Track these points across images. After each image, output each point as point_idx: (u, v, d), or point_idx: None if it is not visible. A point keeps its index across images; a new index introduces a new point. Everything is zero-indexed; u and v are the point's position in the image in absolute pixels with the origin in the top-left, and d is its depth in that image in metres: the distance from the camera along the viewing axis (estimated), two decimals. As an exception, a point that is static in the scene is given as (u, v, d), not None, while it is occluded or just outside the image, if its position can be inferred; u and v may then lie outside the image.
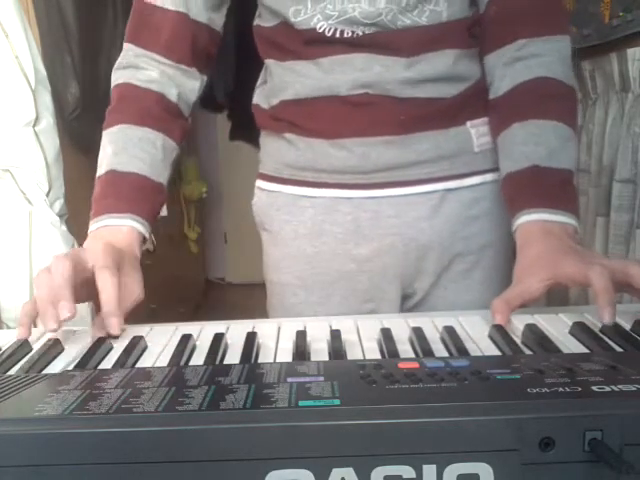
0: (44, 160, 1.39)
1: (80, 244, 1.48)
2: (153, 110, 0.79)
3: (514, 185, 0.76)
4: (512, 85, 0.77)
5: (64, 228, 1.44)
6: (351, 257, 0.83)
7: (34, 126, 1.37)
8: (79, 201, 1.67)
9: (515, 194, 0.75)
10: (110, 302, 0.61)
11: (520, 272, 0.68)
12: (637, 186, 1.42)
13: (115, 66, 0.82)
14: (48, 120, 1.41)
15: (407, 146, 0.80)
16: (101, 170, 0.77)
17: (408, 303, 0.86)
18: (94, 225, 0.73)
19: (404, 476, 0.38)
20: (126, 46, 0.82)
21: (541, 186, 0.73)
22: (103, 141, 0.79)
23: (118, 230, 0.72)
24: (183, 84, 0.82)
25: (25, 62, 1.35)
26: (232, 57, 1.90)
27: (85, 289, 0.63)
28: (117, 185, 0.76)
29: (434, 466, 0.38)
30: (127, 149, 0.77)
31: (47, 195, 1.40)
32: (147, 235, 0.75)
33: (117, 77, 0.82)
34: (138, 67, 0.80)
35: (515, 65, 0.77)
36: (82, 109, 1.70)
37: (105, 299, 0.61)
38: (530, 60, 0.76)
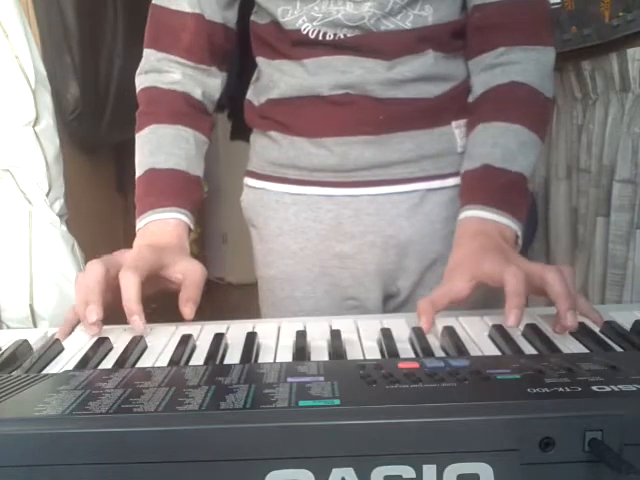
0: (44, 160, 1.39)
1: (80, 244, 1.49)
2: (181, 108, 0.81)
3: (464, 183, 0.77)
4: (485, 89, 0.78)
5: (64, 228, 1.44)
6: (334, 254, 0.84)
7: (34, 126, 1.37)
8: (79, 201, 1.67)
9: (463, 191, 0.77)
10: (130, 301, 0.62)
11: (449, 271, 0.68)
12: (637, 186, 1.42)
13: (137, 71, 0.84)
14: (48, 120, 1.41)
15: (387, 146, 0.80)
16: (140, 171, 0.79)
17: (393, 302, 0.87)
18: (142, 222, 0.76)
19: (404, 476, 0.38)
20: (147, 52, 0.83)
21: (487, 185, 0.74)
22: (137, 144, 0.81)
23: (166, 223, 0.75)
24: (205, 83, 0.84)
25: (25, 62, 1.35)
26: (235, 56, 1.90)
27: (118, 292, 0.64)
28: (158, 182, 0.78)
29: (434, 466, 0.38)
30: (162, 147, 0.79)
31: (47, 195, 1.40)
32: (192, 226, 0.78)
33: (141, 81, 0.83)
34: (161, 71, 0.82)
35: (492, 71, 0.78)
36: (82, 109, 1.70)
37: (125, 299, 0.62)
38: (507, 66, 0.77)
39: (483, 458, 0.38)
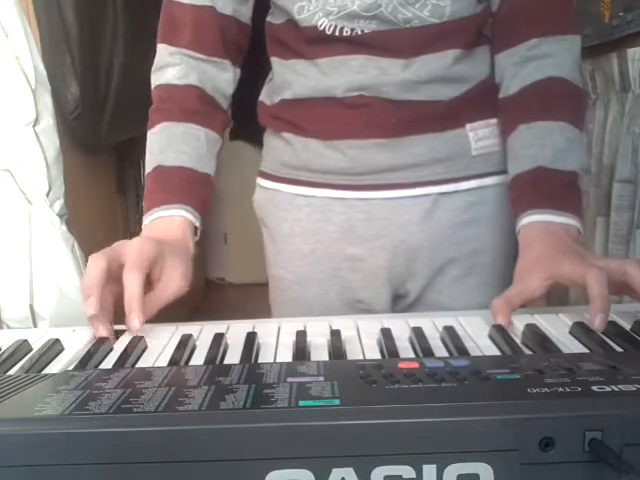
0: (44, 160, 1.39)
1: (80, 244, 1.48)
2: (193, 105, 0.81)
3: (519, 186, 0.75)
4: (521, 85, 0.77)
5: (64, 228, 1.44)
6: (345, 256, 0.84)
7: (34, 126, 1.37)
8: (79, 201, 1.67)
9: (520, 195, 0.75)
10: (131, 299, 0.61)
11: (521, 272, 0.68)
12: (637, 186, 1.42)
13: (152, 69, 0.84)
14: (48, 120, 1.41)
15: (399, 149, 0.79)
16: (149, 168, 0.79)
17: (401, 303, 0.86)
18: (147, 219, 0.76)
19: (404, 476, 0.38)
20: (159, 47, 0.83)
21: (545, 187, 0.73)
22: (148, 141, 0.81)
23: (170, 220, 0.75)
24: (217, 77, 0.83)
25: (25, 62, 1.35)
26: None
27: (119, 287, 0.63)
28: (165, 179, 0.78)
29: (434, 466, 0.38)
30: (171, 145, 0.79)
31: (47, 195, 1.40)
32: (198, 225, 0.78)
33: (156, 79, 0.83)
34: (173, 65, 0.82)
35: (526, 65, 0.77)
36: (82, 109, 1.70)
37: (127, 297, 0.62)
38: (541, 60, 0.76)
39: (483, 458, 0.38)
